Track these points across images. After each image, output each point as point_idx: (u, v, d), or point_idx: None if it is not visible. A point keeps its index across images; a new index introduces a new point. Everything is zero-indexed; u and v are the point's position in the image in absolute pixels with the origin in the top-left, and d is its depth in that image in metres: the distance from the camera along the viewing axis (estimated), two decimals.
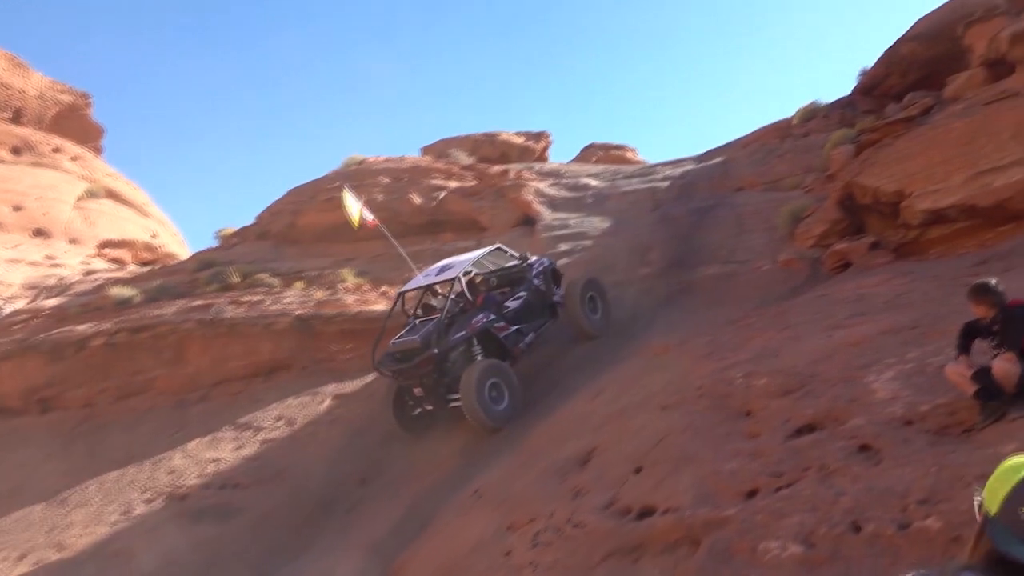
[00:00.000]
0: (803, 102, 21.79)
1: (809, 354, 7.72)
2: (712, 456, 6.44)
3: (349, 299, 16.09)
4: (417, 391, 12.41)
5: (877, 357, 6.97)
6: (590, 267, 15.65)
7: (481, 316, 12.76)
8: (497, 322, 12.88)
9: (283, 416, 14.05)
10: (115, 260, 23.83)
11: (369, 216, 15.30)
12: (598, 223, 17.17)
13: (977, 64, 13.51)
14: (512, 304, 13.33)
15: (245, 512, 11.85)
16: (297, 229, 20.05)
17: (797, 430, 6.32)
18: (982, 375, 5.28)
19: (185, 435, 13.93)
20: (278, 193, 25.29)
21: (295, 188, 21.43)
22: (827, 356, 7.48)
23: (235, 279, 17.22)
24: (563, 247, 16.88)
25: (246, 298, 16.26)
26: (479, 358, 12.54)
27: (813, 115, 20.14)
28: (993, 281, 5.58)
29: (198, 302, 16.26)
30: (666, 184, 19.33)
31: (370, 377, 14.80)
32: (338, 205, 19.42)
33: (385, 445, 13.14)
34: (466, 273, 13.47)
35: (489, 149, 27.84)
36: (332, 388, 14.64)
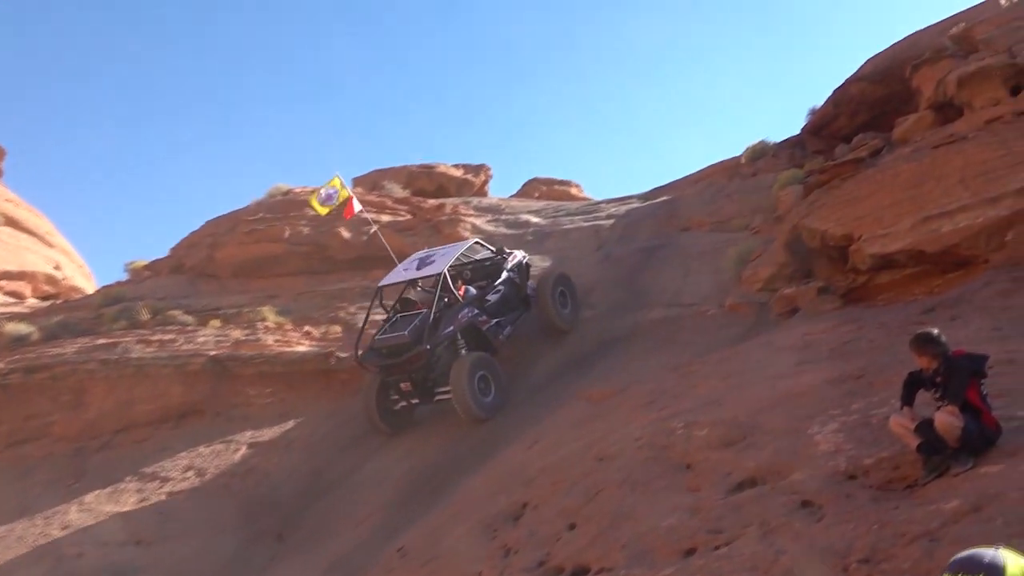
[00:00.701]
0: (752, 140, 22.33)
1: (753, 404, 7.83)
2: (649, 511, 6.46)
3: (269, 339, 15.87)
4: (405, 386, 13.40)
5: (821, 408, 7.10)
6: None
7: (466, 310, 13.71)
8: (480, 316, 13.86)
9: (193, 466, 13.73)
10: (12, 293, 23.13)
11: (357, 207, 16.12)
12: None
13: (925, 106, 14.02)
14: (491, 297, 14.35)
15: (147, 572, 11.49)
16: (215, 263, 19.76)
17: (738, 484, 6.39)
18: (925, 428, 5.42)
19: (83, 486, 13.49)
20: (195, 224, 24.92)
21: (214, 219, 21.16)
22: (771, 406, 7.60)
23: (145, 316, 16.86)
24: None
25: (156, 337, 15.92)
26: (463, 352, 13.45)
27: (762, 154, 20.62)
28: (935, 331, 5.75)
29: (103, 340, 15.85)
30: (610, 223, 19.55)
31: (290, 424, 14.58)
32: (258, 239, 19.25)
33: (304, 497, 12.92)
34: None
35: (425, 181, 27.87)
36: (248, 436, 14.37)
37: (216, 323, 16.62)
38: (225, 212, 21.25)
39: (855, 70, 18.12)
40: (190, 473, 13.60)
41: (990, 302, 9.20)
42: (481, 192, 28.55)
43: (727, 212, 18.11)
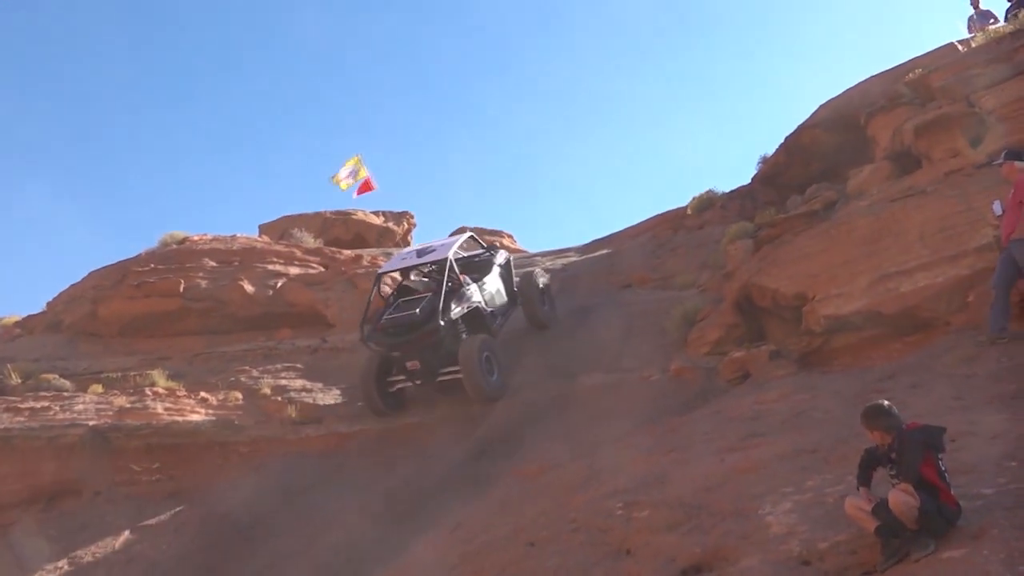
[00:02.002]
0: (699, 190, 22.71)
1: (699, 481, 7.87)
2: None
3: (159, 407, 15.51)
4: (412, 365, 14.94)
5: (773, 485, 7.17)
6: None
7: (472, 293, 15.72)
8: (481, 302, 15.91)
9: (67, 554, 13.25)
10: None
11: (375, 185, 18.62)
12: None
13: (881, 156, 14.47)
14: (487, 289, 16.36)
15: None
16: (98, 320, 19.31)
17: (682, 571, 6.40)
18: (882, 510, 5.49)
19: None
20: (77, 275, 24.39)
21: (98, 270, 20.72)
22: (718, 484, 7.65)
23: (14, 380, 16.36)
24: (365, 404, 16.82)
25: (27, 404, 15.42)
26: (464, 336, 15.18)
27: (710, 205, 20.96)
28: (886, 404, 5.87)
29: None
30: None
31: (181, 505, 14.20)
32: (149, 293, 18.91)
33: None
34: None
35: (341, 230, 27.76)
36: (132, 518, 13.93)
37: (98, 389, 16.18)
38: (112, 262, 20.86)
39: (807, 116, 18.63)
40: (63, 563, 13.11)
41: (952, 369, 9.44)
42: (404, 242, 28.54)
43: (672, 267, 18.36)
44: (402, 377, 15.26)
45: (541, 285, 17.26)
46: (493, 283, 16.70)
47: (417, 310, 14.91)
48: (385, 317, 15.29)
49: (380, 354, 15.25)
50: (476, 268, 17.03)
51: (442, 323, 14.69)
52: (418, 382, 15.18)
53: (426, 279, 16.52)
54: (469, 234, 17.90)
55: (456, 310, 15.18)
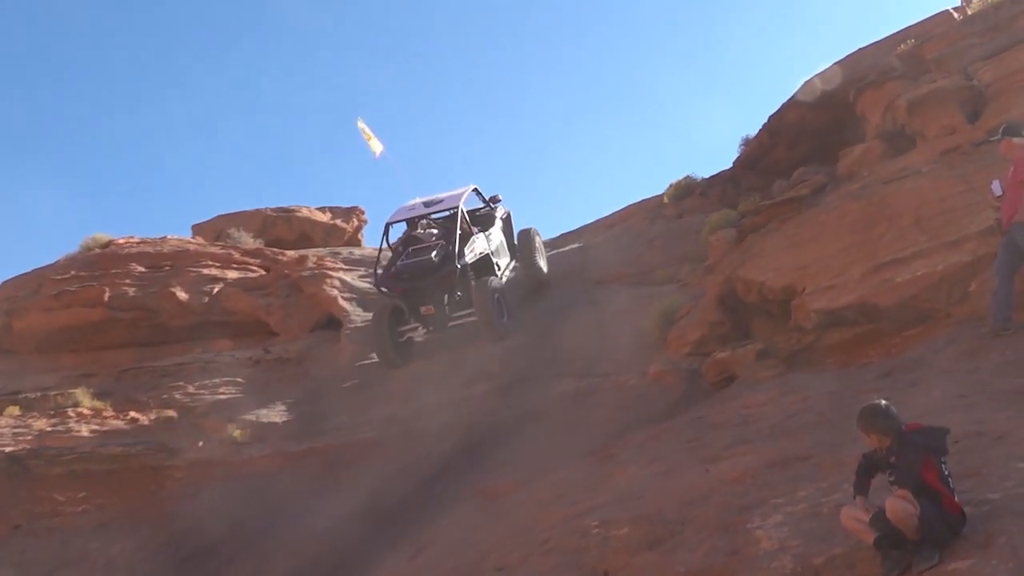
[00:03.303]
0: (676, 176, 22.75)
1: (681, 494, 7.89)
2: None
3: (84, 430, 15.40)
4: (426, 310, 16.60)
5: (762, 496, 7.20)
6: (412, 387, 15.75)
7: (482, 240, 17.79)
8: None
9: None
10: None
11: (378, 149, 19.74)
12: None
13: (873, 135, 14.60)
14: (493, 239, 18.33)
15: None
16: (13, 334, 19.10)
17: None
18: (879, 521, 5.52)
19: None
20: None
21: (12, 279, 20.46)
22: (703, 496, 7.67)
23: None
24: (376, 356, 16.80)
25: None
26: (472, 283, 16.80)
27: (688, 192, 21.03)
28: (884, 403, 5.88)
29: None
30: (511, 275, 19.70)
31: (111, 537, 14.09)
32: (70, 303, 18.72)
33: None
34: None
35: (284, 229, 27.52)
36: (56, 554, 13.83)
37: (14, 411, 16.05)
38: (27, 271, 20.62)
39: (792, 93, 18.74)
40: None
41: (954, 364, 9.52)
42: (354, 241, 28.36)
43: (649, 262, 18.42)
44: (413, 326, 16.81)
45: (536, 240, 19.33)
46: (496, 235, 18.61)
47: (432, 255, 16.69)
48: (400, 263, 17.06)
49: (390, 306, 16.82)
50: (479, 221, 18.80)
51: (458, 266, 16.56)
52: (429, 328, 16.81)
53: (434, 230, 18.00)
54: (473, 187, 19.18)
55: (469, 256, 17.09)
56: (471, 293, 16.64)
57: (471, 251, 17.25)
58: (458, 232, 17.11)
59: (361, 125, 19.51)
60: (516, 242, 19.24)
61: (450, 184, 19.50)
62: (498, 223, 19.01)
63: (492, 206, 19.54)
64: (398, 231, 18.86)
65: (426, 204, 18.53)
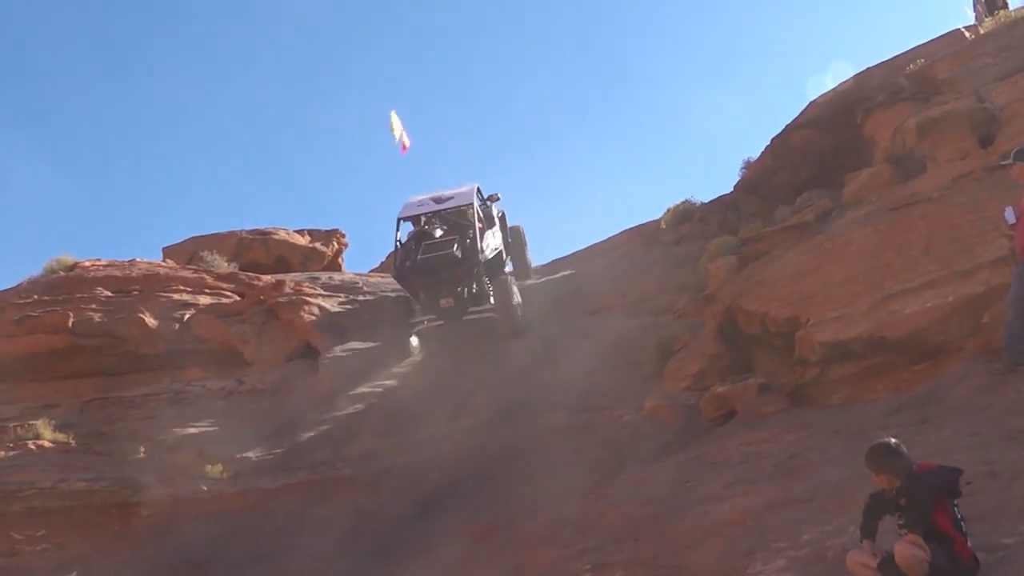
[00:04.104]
0: (674, 200, 22.81)
1: (679, 537, 7.86)
2: None
3: (45, 464, 15.30)
4: (445, 303, 17.95)
5: (764, 540, 7.18)
6: (391, 421, 15.72)
7: (495, 238, 19.62)
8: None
9: None
10: None
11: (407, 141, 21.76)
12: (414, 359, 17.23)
13: (881, 159, 14.63)
14: (497, 235, 20.13)
15: None
16: None
17: None
18: (888, 566, 5.49)
19: None
20: None
21: None
22: (701, 539, 7.65)
23: None
24: (356, 389, 16.74)
25: None
26: (485, 278, 18.44)
27: (687, 217, 21.08)
28: (894, 442, 5.86)
29: None
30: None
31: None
32: (32, 329, 18.64)
33: None
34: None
35: (260, 252, 27.51)
36: None
37: None
38: None
39: (797, 115, 18.81)
40: None
41: (966, 400, 9.52)
42: (333, 265, 28.37)
43: (645, 290, 18.43)
44: (428, 318, 18.24)
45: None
46: (497, 232, 20.27)
47: (454, 249, 18.25)
48: (419, 257, 18.42)
49: (406, 299, 18.61)
50: (482, 219, 19.94)
51: (481, 260, 18.20)
52: (443, 320, 18.17)
53: (443, 226, 19.66)
54: (476, 184, 20.46)
55: (488, 251, 18.75)
56: (485, 288, 18.25)
57: (488, 246, 18.83)
58: (477, 226, 18.74)
59: (394, 118, 21.50)
60: (509, 239, 20.99)
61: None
62: (496, 222, 20.46)
63: (489, 204, 20.86)
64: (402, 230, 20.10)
65: (436, 200, 19.99)
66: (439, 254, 18.26)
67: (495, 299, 17.98)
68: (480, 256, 18.26)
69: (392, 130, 21.37)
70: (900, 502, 5.69)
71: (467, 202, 19.58)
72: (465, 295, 18.12)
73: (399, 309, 18.59)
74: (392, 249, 20.30)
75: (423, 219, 20.03)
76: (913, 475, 5.69)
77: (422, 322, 18.39)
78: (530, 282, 21.08)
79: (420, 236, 19.41)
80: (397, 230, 19.59)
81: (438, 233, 19.49)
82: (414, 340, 18.25)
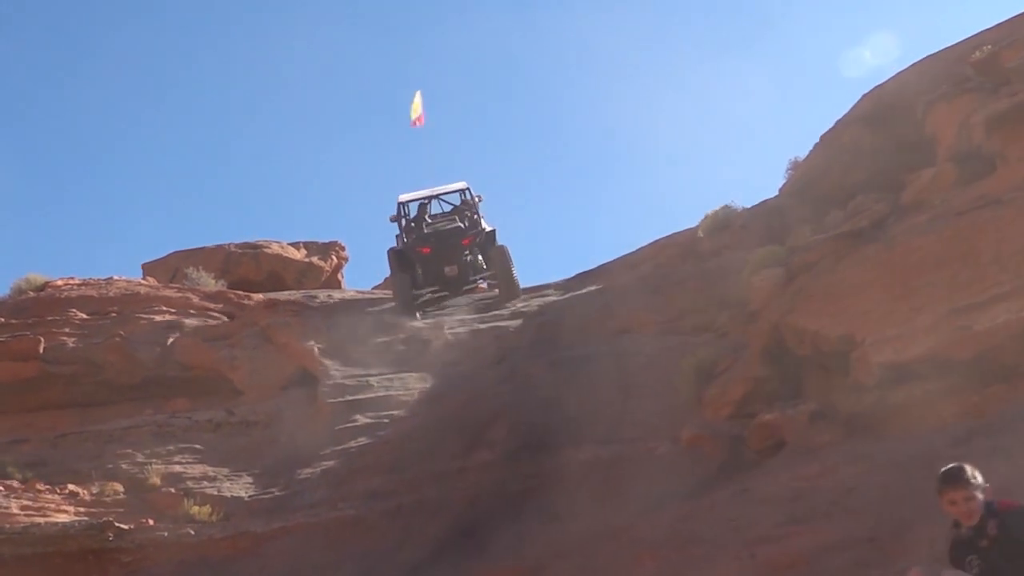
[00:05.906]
0: (713, 205, 22.78)
1: None
2: None
3: (13, 505, 15.36)
4: (450, 271, 21.53)
5: None
6: (399, 455, 15.65)
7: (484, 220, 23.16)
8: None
9: None
10: None
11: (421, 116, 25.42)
12: (414, 382, 17.18)
13: (945, 158, 14.58)
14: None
15: None
16: None
17: None
18: None
19: None
20: None
21: None
22: None
23: None
24: (360, 419, 16.73)
25: None
26: (479, 255, 22.23)
27: (727, 225, 20.95)
28: (968, 468, 5.65)
29: None
30: (517, 323, 19.65)
31: None
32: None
33: None
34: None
35: (251, 268, 27.55)
36: None
37: None
38: None
39: (848, 110, 18.79)
40: None
41: None
42: (332, 282, 28.43)
43: (680, 306, 18.38)
44: (432, 289, 21.56)
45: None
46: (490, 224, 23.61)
47: (457, 219, 22.46)
48: (427, 229, 22.31)
49: (409, 274, 21.32)
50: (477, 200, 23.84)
51: (482, 230, 22.32)
52: (443, 292, 21.79)
53: (443, 213, 23.50)
54: (465, 184, 23.90)
55: (485, 227, 22.58)
56: (485, 259, 21.91)
57: (480, 225, 22.57)
58: (475, 203, 22.96)
59: (418, 97, 25.11)
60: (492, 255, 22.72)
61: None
62: (481, 213, 23.57)
63: (475, 200, 23.92)
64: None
65: (431, 190, 23.82)
66: (444, 225, 22.39)
67: (495, 265, 21.38)
68: (481, 226, 22.43)
69: (413, 104, 24.87)
70: (981, 545, 5.46)
71: (464, 186, 23.63)
72: (468, 263, 21.84)
73: (402, 284, 21.04)
74: (391, 247, 22.81)
75: (423, 203, 23.37)
76: (1001, 513, 5.47)
77: (425, 294, 21.42)
78: (551, 299, 21.10)
79: (423, 214, 23.09)
80: (398, 212, 23.04)
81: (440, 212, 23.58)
82: (419, 317, 20.58)
